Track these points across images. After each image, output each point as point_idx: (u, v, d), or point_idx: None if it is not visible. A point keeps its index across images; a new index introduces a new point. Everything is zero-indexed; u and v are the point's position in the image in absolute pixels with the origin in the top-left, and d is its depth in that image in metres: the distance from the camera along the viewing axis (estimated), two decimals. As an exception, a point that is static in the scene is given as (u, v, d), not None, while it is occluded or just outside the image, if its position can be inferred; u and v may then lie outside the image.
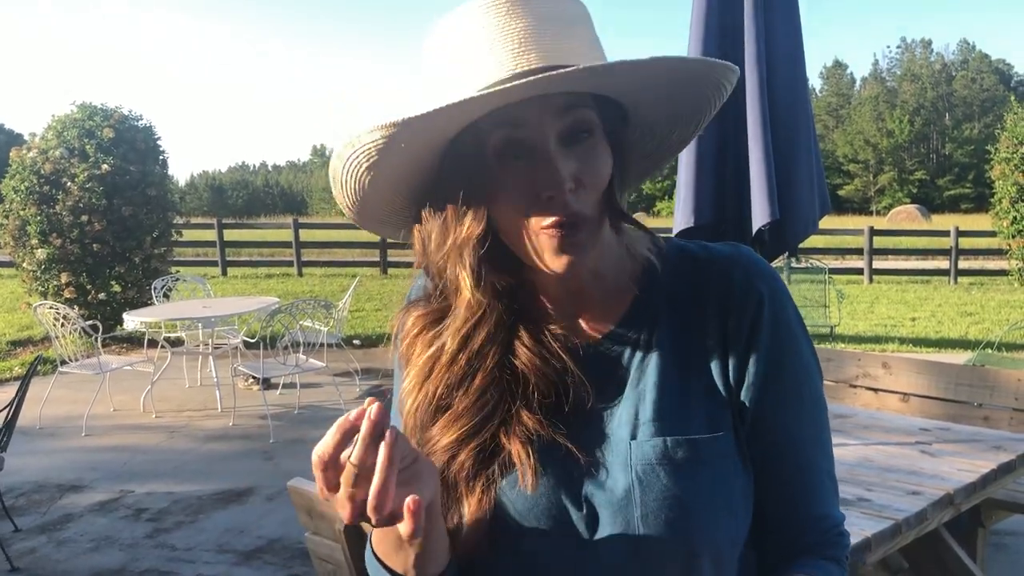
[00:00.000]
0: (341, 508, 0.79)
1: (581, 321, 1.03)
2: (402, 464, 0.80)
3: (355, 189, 0.95)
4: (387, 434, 0.78)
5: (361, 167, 0.92)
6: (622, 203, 0.97)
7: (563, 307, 1.02)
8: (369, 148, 0.89)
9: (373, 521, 0.78)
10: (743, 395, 0.97)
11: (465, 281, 0.95)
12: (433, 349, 1.00)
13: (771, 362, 0.97)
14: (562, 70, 0.83)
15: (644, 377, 0.97)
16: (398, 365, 1.08)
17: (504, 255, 0.95)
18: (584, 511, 0.94)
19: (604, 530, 0.93)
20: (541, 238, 0.91)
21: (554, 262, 0.92)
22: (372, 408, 0.78)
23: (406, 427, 1.00)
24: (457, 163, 0.92)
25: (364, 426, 0.77)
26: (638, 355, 0.99)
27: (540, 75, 0.83)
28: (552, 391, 0.97)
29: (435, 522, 0.88)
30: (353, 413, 0.78)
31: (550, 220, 0.89)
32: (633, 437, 0.94)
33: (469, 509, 0.96)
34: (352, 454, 0.77)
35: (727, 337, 0.97)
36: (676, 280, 1.01)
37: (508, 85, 0.83)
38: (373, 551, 0.96)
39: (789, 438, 0.98)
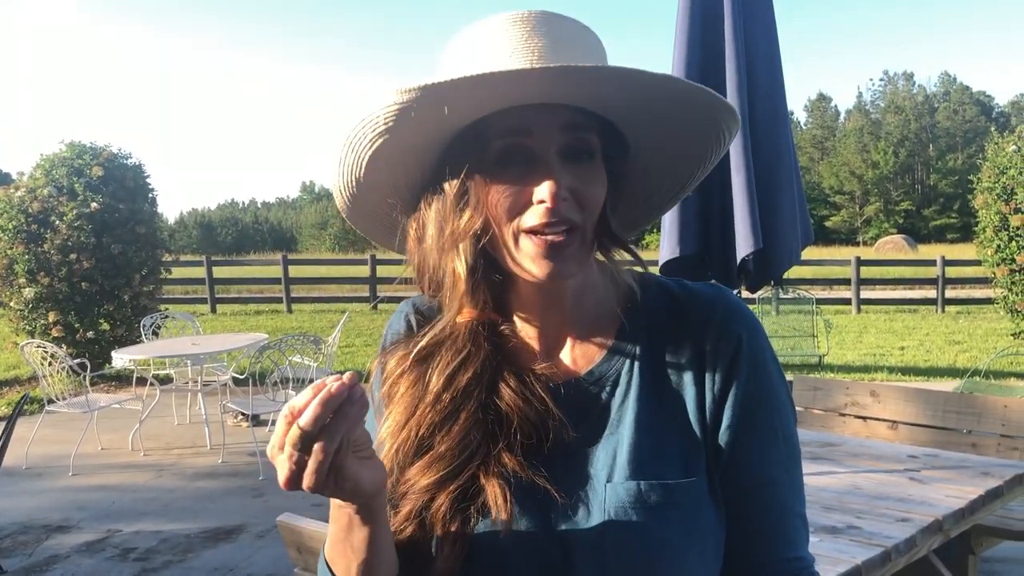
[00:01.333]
0: (280, 468, 0.80)
1: (563, 355, 1.03)
2: (356, 448, 0.82)
3: (353, 168, 0.96)
4: (347, 404, 0.79)
5: (365, 139, 0.92)
6: (614, 227, 0.98)
7: (546, 340, 1.03)
8: (378, 118, 0.89)
9: (306, 485, 0.79)
10: (720, 437, 0.97)
11: (460, 273, 0.95)
12: (417, 388, 1.00)
13: (748, 405, 0.97)
14: (578, 65, 0.85)
15: (623, 418, 0.97)
16: (376, 409, 1.06)
17: (495, 268, 0.97)
18: (561, 552, 0.94)
19: (580, 572, 0.93)
20: (527, 242, 0.92)
21: (538, 267, 0.92)
22: (345, 375, 0.79)
23: (386, 465, 0.99)
24: (460, 159, 0.93)
25: (324, 392, 0.78)
26: (618, 394, 0.99)
27: (556, 66, 0.85)
28: (533, 432, 0.97)
29: (378, 516, 0.89)
30: (332, 379, 0.79)
31: (539, 223, 0.91)
32: (609, 479, 0.94)
33: (445, 551, 0.95)
34: (304, 416, 0.78)
35: (704, 378, 0.98)
36: (656, 317, 1.02)
37: (528, 67, 0.85)
38: (325, 560, 0.97)
39: (763, 480, 0.99)
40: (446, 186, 0.95)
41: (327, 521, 0.97)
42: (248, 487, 6.23)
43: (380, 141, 0.92)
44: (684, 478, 0.94)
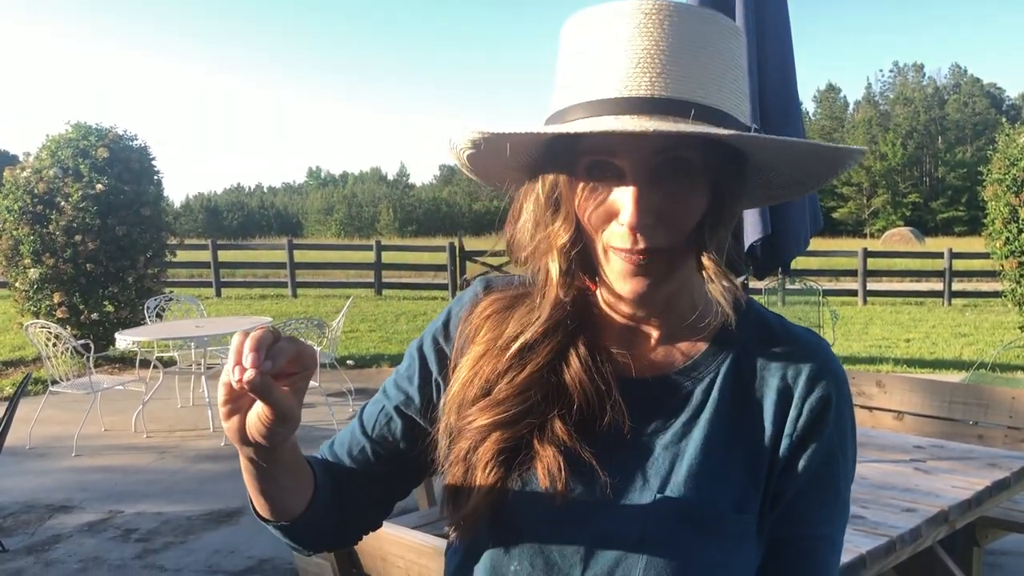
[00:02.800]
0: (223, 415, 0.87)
1: (643, 352, 1.01)
2: (293, 367, 0.84)
3: (460, 155, 0.99)
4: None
5: (460, 143, 0.97)
6: (713, 244, 0.92)
7: (630, 335, 1.01)
8: (467, 141, 0.95)
9: (235, 381, 0.81)
10: (785, 481, 0.95)
11: (554, 278, 0.96)
12: (496, 332, 1.00)
13: (822, 463, 0.95)
14: (669, 127, 0.82)
15: (692, 433, 0.95)
16: (453, 334, 1.07)
17: (591, 262, 0.96)
18: (588, 542, 0.92)
19: (603, 569, 0.91)
20: (613, 259, 0.91)
21: (623, 286, 0.92)
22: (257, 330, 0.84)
23: (452, 400, 1.00)
24: (551, 166, 0.94)
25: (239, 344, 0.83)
26: (692, 407, 0.97)
27: (646, 120, 0.84)
28: (591, 411, 0.96)
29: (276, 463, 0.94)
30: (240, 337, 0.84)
31: (620, 245, 0.90)
32: (661, 490, 0.92)
33: (476, 499, 0.95)
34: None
35: (786, 419, 0.95)
36: (749, 343, 0.99)
37: (611, 129, 0.84)
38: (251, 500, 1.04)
39: (814, 535, 0.98)
40: (539, 186, 0.95)
41: None
42: (250, 470, 6.22)
43: (470, 151, 0.97)
44: (736, 511, 0.93)
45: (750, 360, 0.98)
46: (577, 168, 0.91)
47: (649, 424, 0.96)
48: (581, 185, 0.91)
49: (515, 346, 0.97)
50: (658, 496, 0.92)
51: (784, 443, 0.95)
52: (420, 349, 1.09)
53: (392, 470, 1.09)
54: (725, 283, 0.96)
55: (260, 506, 1.02)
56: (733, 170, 0.92)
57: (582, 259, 0.95)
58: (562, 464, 0.92)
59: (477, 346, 1.01)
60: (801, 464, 0.95)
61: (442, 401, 1.03)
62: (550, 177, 0.93)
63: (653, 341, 1.00)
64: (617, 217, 0.89)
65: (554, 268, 0.95)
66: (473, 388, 0.98)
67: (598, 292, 1.00)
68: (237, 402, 0.86)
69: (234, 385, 0.81)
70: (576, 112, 0.89)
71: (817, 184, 1.01)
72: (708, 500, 0.92)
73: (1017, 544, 4.35)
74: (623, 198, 0.88)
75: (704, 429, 0.94)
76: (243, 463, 0.95)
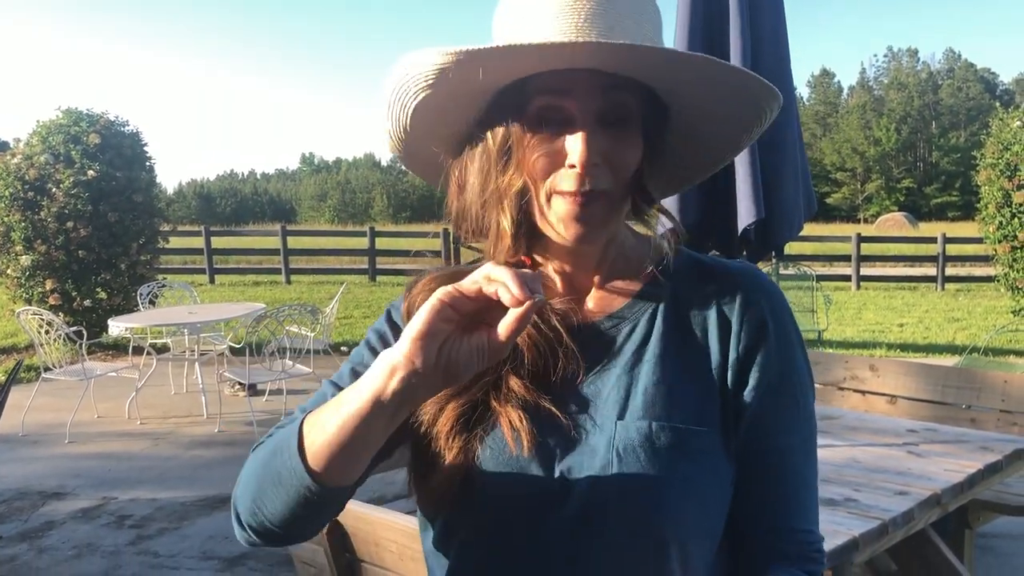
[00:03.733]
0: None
1: (586, 301, 1.05)
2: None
3: (400, 118, 0.99)
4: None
5: (409, 92, 0.95)
6: (649, 190, 0.99)
7: (570, 284, 1.05)
8: (419, 76, 0.92)
9: (519, 295, 0.79)
10: (744, 397, 0.98)
11: (506, 228, 0.97)
12: None
13: (774, 372, 0.99)
14: (622, 42, 0.87)
15: (641, 362, 0.99)
16: (400, 322, 1.07)
17: (529, 219, 0.98)
18: (559, 485, 0.94)
19: (576, 506, 0.93)
20: (557, 203, 0.94)
21: (567, 229, 0.94)
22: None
23: None
24: (502, 115, 0.95)
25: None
26: (636, 340, 1.00)
27: (602, 41, 0.87)
28: (543, 361, 0.99)
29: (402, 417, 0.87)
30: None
31: (569, 189, 0.92)
32: (620, 417, 0.95)
33: (443, 465, 0.96)
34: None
35: (730, 338, 0.99)
36: (683, 279, 1.04)
37: (572, 40, 0.88)
38: (300, 441, 0.90)
39: (782, 447, 1.00)
40: (489, 141, 0.97)
41: None
42: (245, 456, 6.06)
43: (423, 95, 0.95)
44: (698, 426, 0.95)
45: (688, 292, 1.02)
46: (527, 114, 0.93)
47: (601, 363, 1.00)
48: (530, 133, 0.93)
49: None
50: (618, 423, 0.95)
51: (732, 360, 0.99)
52: (367, 342, 1.10)
53: None
54: (659, 227, 1.04)
55: (332, 458, 0.88)
56: (661, 122, 0.98)
57: (528, 214, 0.97)
58: (523, 417, 0.95)
59: None
60: (753, 379, 0.98)
61: None
62: (500, 128, 0.95)
63: (594, 290, 1.05)
64: (564, 160, 0.92)
65: (505, 220, 0.97)
66: None
67: (538, 260, 1.04)
68: (467, 322, 0.83)
69: (513, 298, 0.79)
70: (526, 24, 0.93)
71: (738, 137, 1.04)
72: (666, 418, 0.94)
73: (1008, 527, 4.37)
74: (573, 139, 0.92)
75: (653, 357, 0.98)
76: (378, 404, 0.84)
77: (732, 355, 0.98)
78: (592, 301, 1.05)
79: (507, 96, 0.95)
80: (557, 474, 0.94)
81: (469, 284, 0.82)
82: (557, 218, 0.94)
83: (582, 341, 1.00)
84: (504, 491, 0.96)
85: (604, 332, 1.02)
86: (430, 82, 0.92)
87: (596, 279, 1.05)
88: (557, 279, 1.04)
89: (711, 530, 0.97)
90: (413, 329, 0.82)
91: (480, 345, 0.83)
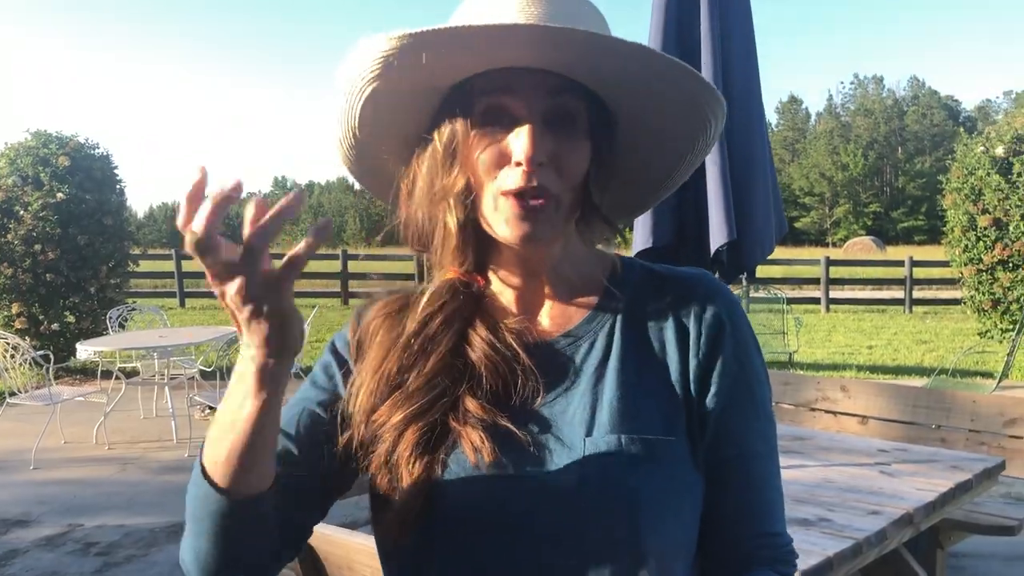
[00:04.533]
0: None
1: (540, 319, 1.04)
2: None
3: (349, 119, 0.98)
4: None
5: (356, 88, 0.94)
6: (598, 202, 0.98)
7: (524, 303, 1.04)
8: (366, 67, 0.91)
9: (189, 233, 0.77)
10: (706, 404, 0.98)
11: (451, 227, 0.97)
12: (393, 333, 1.01)
13: (733, 378, 0.99)
14: (573, 28, 0.85)
15: (603, 379, 0.98)
16: (345, 352, 1.06)
17: (478, 227, 0.97)
18: (526, 505, 0.93)
19: (547, 523, 0.92)
20: (504, 203, 0.93)
21: (512, 230, 0.93)
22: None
23: (360, 409, 0.99)
24: (448, 115, 0.95)
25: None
26: (595, 357, 0.99)
27: (550, 26, 0.87)
28: (501, 382, 0.97)
29: (277, 386, 0.84)
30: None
31: (515, 187, 0.91)
32: (588, 434, 0.94)
33: (406, 489, 0.94)
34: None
35: (688, 346, 0.99)
36: (638, 290, 1.03)
37: (524, 23, 0.87)
38: (201, 465, 0.91)
39: (746, 453, 1.00)
40: (435, 142, 0.96)
41: None
42: (214, 481, 6.13)
43: (370, 89, 0.93)
44: (665, 435, 0.95)
45: (643, 304, 1.02)
46: (472, 114, 0.93)
47: (562, 380, 0.99)
48: (475, 132, 0.93)
49: (417, 340, 0.99)
50: (586, 440, 0.93)
51: (692, 368, 0.98)
52: (312, 380, 1.07)
53: (317, 475, 1.01)
54: (612, 240, 1.05)
55: (231, 468, 0.88)
56: (609, 131, 0.98)
57: (474, 215, 0.96)
58: (483, 436, 0.94)
59: (375, 351, 1.01)
60: (714, 384, 0.98)
61: (349, 413, 1.00)
62: (447, 128, 0.95)
63: (548, 306, 1.04)
64: (510, 159, 0.91)
65: (451, 220, 0.96)
66: (380, 392, 0.98)
67: (491, 280, 1.03)
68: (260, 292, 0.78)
69: (189, 206, 0.78)
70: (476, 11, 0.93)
71: (685, 151, 1.03)
72: (634, 431, 0.94)
73: (979, 546, 4.40)
74: (518, 136, 0.91)
75: (614, 372, 0.98)
76: (249, 405, 0.83)
77: (692, 362, 0.98)
78: (548, 319, 1.03)
79: (453, 97, 0.95)
80: (526, 492, 0.93)
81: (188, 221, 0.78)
82: (503, 218, 0.93)
83: (541, 360, 0.99)
84: (471, 512, 0.94)
85: (563, 350, 1.01)
86: (376, 73, 0.91)
87: (550, 295, 1.04)
88: (511, 296, 1.03)
89: (687, 541, 0.97)
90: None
91: (263, 279, 0.78)
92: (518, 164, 0.91)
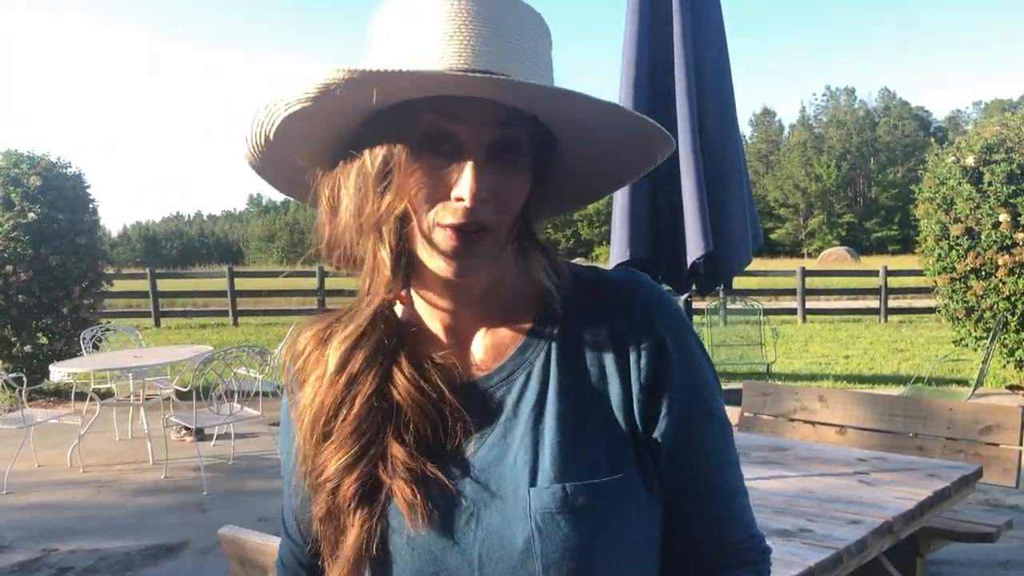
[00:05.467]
0: None
1: (473, 350, 0.98)
2: None
3: (264, 124, 0.90)
4: None
5: (281, 103, 0.87)
6: (535, 227, 0.94)
7: (454, 338, 0.98)
8: (305, 90, 0.84)
9: None
10: (657, 429, 0.93)
11: (384, 260, 0.90)
12: (320, 366, 0.96)
13: (683, 398, 0.94)
14: (510, 79, 0.82)
15: (542, 419, 0.92)
16: (288, 390, 1.03)
17: (408, 252, 0.91)
18: (475, 562, 0.89)
19: None
20: (439, 236, 0.87)
21: (447, 264, 0.88)
22: None
23: (303, 457, 0.96)
24: (383, 134, 0.88)
25: None
26: (532, 393, 0.93)
27: (501, 78, 0.82)
28: (430, 425, 0.92)
29: None
30: None
31: (452, 221, 0.86)
32: (532, 484, 0.89)
33: (347, 543, 0.91)
34: None
35: (629, 370, 0.93)
36: (572, 308, 0.96)
37: (480, 76, 0.81)
38: None
39: (707, 468, 0.97)
40: (367, 160, 0.89)
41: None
42: (192, 502, 6.07)
43: (298, 107, 0.86)
44: (612, 475, 0.90)
45: (579, 325, 0.95)
46: (412, 134, 0.86)
47: (498, 423, 0.93)
48: (415, 158, 0.86)
49: (342, 378, 0.93)
50: (531, 491, 0.88)
51: (635, 388, 0.93)
52: (284, 429, 1.05)
53: None
54: (546, 263, 0.96)
55: None
56: (550, 157, 0.92)
57: (407, 255, 0.91)
58: (415, 490, 0.89)
59: (307, 386, 0.96)
60: (666, 403, 0.93)
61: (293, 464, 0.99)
62: (381, 150, 0.87)
63: (480, 336, 0.98)
64: (450, 191, 0.86)
65: (384, 251, 0.89)
66: (314, 436, 0.94)
67: (416, 301, 0.97)
68: None
69: None
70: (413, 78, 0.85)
71: (627, 177, 1.02)
72: (578, 477, 0.89)
73: (957, 553, 4.42)
74: (461, 171, 0.85)
75: (555, 406, 0.92)
76: None
77: (635, 386, 0.93)
78: (481, 349, 0.97)
79: (390, 113, 0.86)
80: (475, 553, 0.89)
81: None
82: (438, 252, 0.88)
83: (472, 401, 0.94)
84: (415, 570, 0.91)
85: (496, 388, 0.95)
86: (311, 96, 0.84)
87: (482, 321, 0.97)
88: (439, 325, 0.97)
89: (647, 571, 0.95)
90: None
91: None
92: (459, 200, 0.85)
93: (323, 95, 0.83)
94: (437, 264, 0.89)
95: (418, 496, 0.89)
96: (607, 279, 0.99)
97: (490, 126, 0.86)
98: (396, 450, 0.91)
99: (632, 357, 0.93)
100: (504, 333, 0.97)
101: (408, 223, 0.88)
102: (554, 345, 0.95)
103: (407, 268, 0.92)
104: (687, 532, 0.97)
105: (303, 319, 1.06)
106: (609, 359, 0.94)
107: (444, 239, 0.87)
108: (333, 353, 0.94)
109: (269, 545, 2.27)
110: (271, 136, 0.91)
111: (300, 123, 0.88)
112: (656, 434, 0.93)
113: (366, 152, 0.89)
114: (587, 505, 0.88)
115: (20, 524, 5.69)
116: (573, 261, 1.04)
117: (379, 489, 0.91)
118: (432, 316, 0.97)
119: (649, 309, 0.95)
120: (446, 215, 0.86)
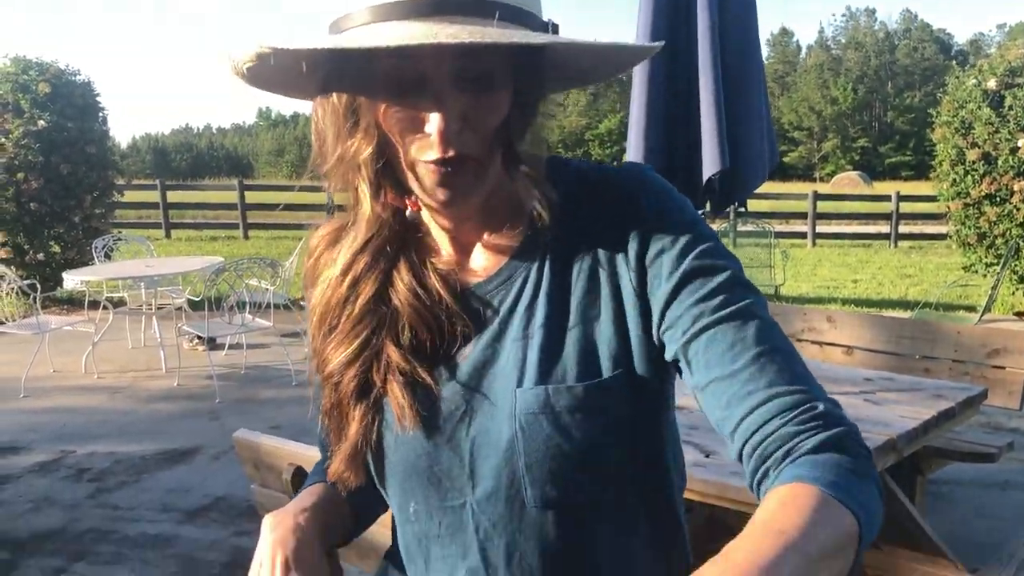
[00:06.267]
0: None
1: (473, 258, 0.99)
2: None
3: (237, 66, 0.89)
4: None
5: (240, 62, 0.87)
6: (520, 146, 0.91)
7: (457, 246, 0.99)
8: (261, 52, 0.83)
9: None
10: (664, 299, 0.89)
11: (364, 194, 0.93)
12: (329, 270, 0.99)
13: (679, 263, 0.89)
14: (482, 39, 0.78)
15: (533, 321, 0.93)
16: (305, 286, 1.07)
17: (399, 175, 0.92)
18: (466, 459, 0.93)
19: (486, 480, 0.92)
20: (423, 170, 0.88)
21: (434, 195, 0.89)
22: None
23: (314, 350, 1.01)
24: (346, 73, 0.87)
25: None
26: (527, 296, 0.94)
27: (462, 27, 0.79)
28: (426, 329, 0.95)
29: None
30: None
31: (432, 156, 0.86)
32: (519, 384, 0.90)
33: (348, 436, 0.97)
34: None
35: (623, 262, 0.91)
36: (569, 208, 0.95)
37: (429, 42, 0.77)
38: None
39: (727, 325, 0.87)
40: (335, 100, 0.89)
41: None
42: (204, 410, 6.19)
43: (251, 64, 0.86)
44: (596, 377, 0.90)
45: (576, 227, 0.94)
46: (375, 76, 0.85)
47: (492, 324, 0.95)
48: (381, 98, 0.86)
49: (346, 280, 0.96)
50: (517, 391, 0.90)
51: (632, 282, 0.91)
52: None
53: None
54: (536, 175, 0.94)
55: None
56: (532, 66, 0.89)
57: (393, 173, 0.91)
58: (404, 392, 0.93)
59: (317, 288, 1.00)
60: (665, 272, 0.89)
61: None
62: (346, 91, 0.88)
63: (479, 246, 0.99)
64: (423, 126, 0.85)
65: (362, 185, 0.92)
66: (321, 331, 0.99)
67: (422, 208, 0.97)
68: None
69: None
70: (362, 17, 0.83)
71: (616, 71, 1.01)
72: (561, 379, 0.89)
73: (957, 473, 4.50)
74: (428, 105, 0.84)
75: (544, 309, 0.92)
76: None
77: (632, 276, 0.91)
78: (479, 259, 0.98)
79: (352, 54, 0.84)
80: (466, 450, 0.93)
81: None
82: (424, 187, 0.89)
83: (470, 306, 0.96)
84: (409, 468, 0.96)
85: (493, 294, 0.96)
86: (251, 63, 0.86)
87: (481, 231, 0.98)
88: (443, 236, 0.99)
89: (631, 483, 0.95)
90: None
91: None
92: (431, 133, 0.85)
93: (263, 62, 0.84)
94: (427, 199, 0.91)
95: (406, 397, 0.93)
96: (603, 171, 0.97)
97: (452, 56, 0.83)
98: (391, 351, 0.94)
99: (629, 251, 0.91)
100: (502, 241, 0.97)
101: (381, 159, 0.89)
102: (549, 249, 0.95)
103: (398, 188, 0.94)
104: (727, 410, 0.86)
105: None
106: (602, 253, 0.93)
107: (427, 173, 0.88)
108: (341, 256, 0.98)
109: (283, 449, 2.32)
110: (246, 76, 0.90)
111: (267, 69, 0.87)
112: (665, 302, 0.89)
113: (333, 94, 0.89)
114: (569, 407, 0.89)
115: (37, 427, 5.82)
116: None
117: (374, 390, 0.96)
118: (436, 226, 0.99)
119: (637, 194, 0.93)
120: (424, 150, 0.86)
